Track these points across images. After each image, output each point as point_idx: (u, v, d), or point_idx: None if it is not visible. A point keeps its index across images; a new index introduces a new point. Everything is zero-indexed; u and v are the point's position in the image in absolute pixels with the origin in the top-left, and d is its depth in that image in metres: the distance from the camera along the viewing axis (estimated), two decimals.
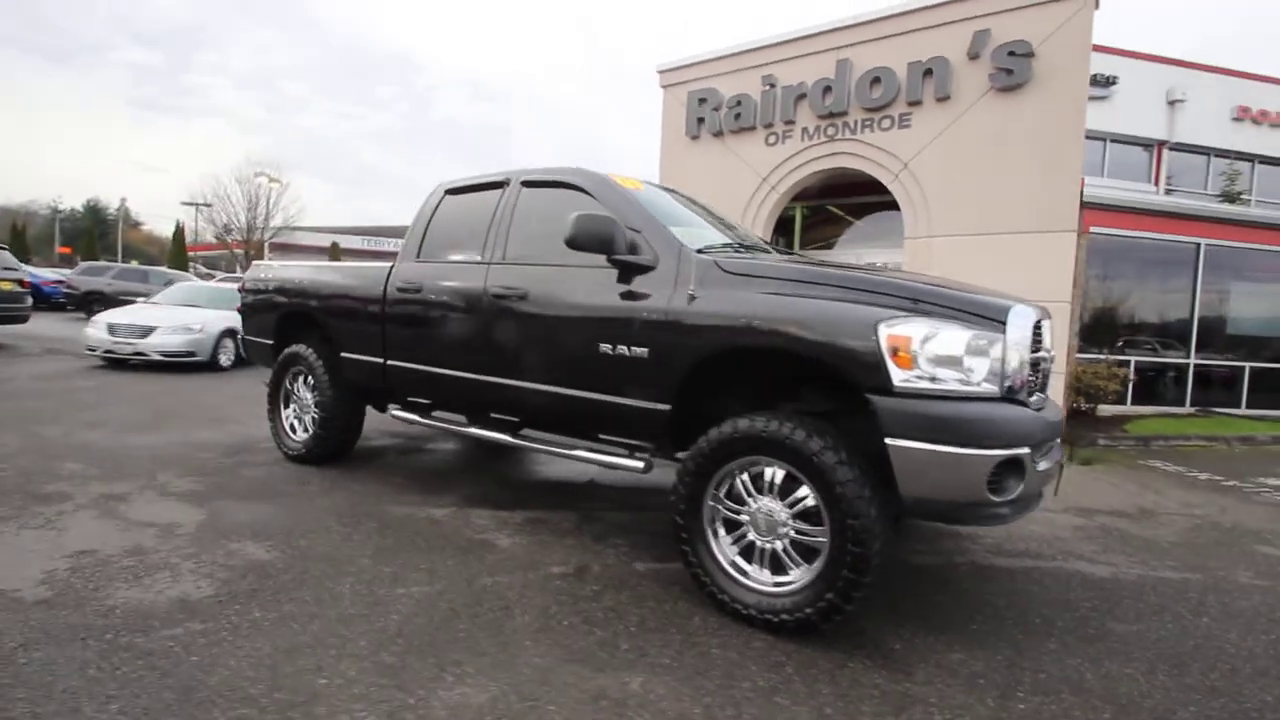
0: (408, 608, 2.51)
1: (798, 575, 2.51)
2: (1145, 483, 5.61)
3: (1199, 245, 10.39)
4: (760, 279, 2.70)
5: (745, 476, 2.62)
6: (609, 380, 2.97)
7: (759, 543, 2.59)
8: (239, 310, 5.34)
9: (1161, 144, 13.51)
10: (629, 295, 2.93)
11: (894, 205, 7.85)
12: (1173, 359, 10.27)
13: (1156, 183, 13.44)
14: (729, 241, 3.36)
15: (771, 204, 8.42)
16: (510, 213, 3.58)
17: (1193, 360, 10.19)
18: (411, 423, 4.05)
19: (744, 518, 2.62)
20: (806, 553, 2.50)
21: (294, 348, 4.60)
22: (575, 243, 2.87)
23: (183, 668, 2.04)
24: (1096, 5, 6.29)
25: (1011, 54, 6.51)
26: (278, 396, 4.77)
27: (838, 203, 9.43)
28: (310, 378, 4.52)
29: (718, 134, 8.72)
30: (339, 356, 4.34)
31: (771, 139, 8.28)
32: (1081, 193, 7.04)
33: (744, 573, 2.62)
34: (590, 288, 3.08)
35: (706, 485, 2.67)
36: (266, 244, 33.81)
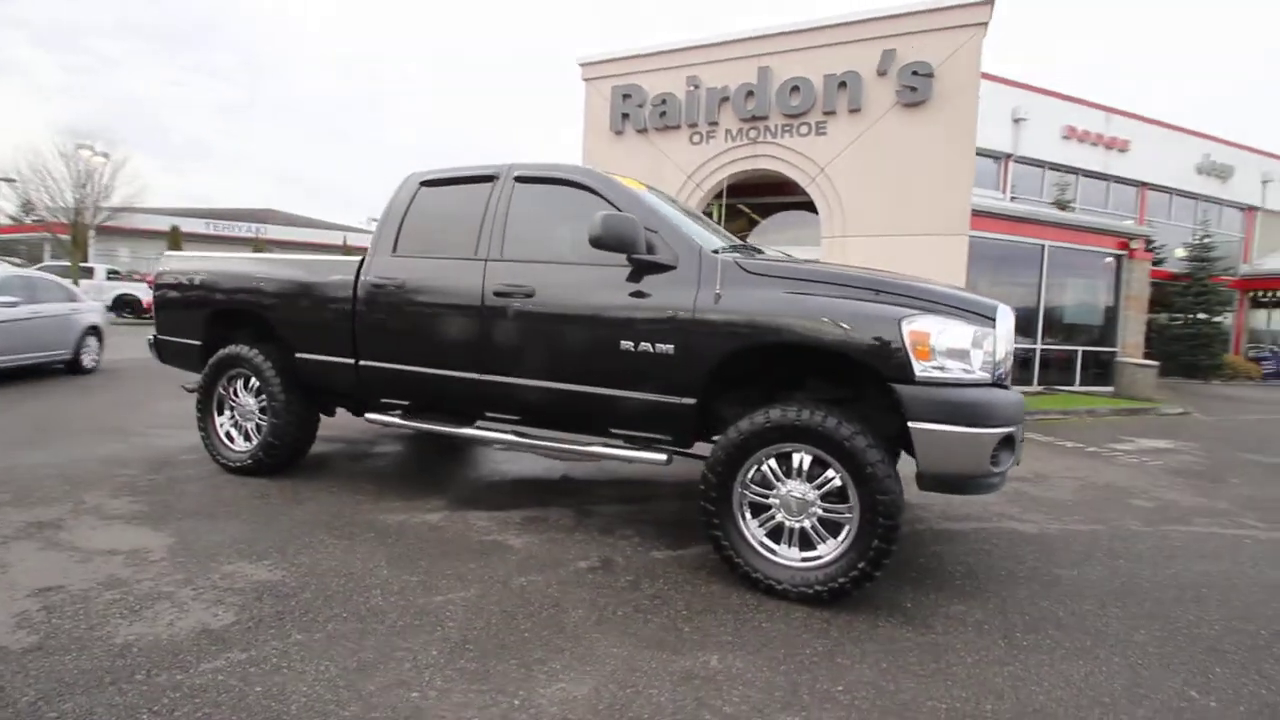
0: (458, 614, 2.46)
1: (826, 549, 2.75)
2: (1029, 452, 6.54)
3: (1043, 246, 12.10)
4: (780, 279, 2.89)
5: (772, 462, 2.82)
6: (631, 376, 3.04)
7: (789, 523, 2.80)
8: (147, 308, 4.74)
9: (1008, 157, 15.52)
10: (649, 294, 3.01)
11: (810, 205, 8.45)
12: (1024, 345, 11.92)
13: (1004, 191, 15.43)
14: (731, 242, 3.53)
15: (696, 201, 8.73)
16: (505, 208, 3.52)
17: (1040, 345, 11.90)
18: (388, 426, 3.85)
19: (772, 500, 2.82)
20: (831, 528, 2.75)
21: (233, 349, 4.18)
22: (602, 243, 2.91)
23: (250, 700, 1.88)
24: (984, 33, 7.16)
25: (915, 73, 7.25)
26: (210, 403, 4.31)
27: (757, 201, 9.96)
28: (256, 381, 4.14)
29: (642, 130, 8.89)
30: (293, 358, 4.03)
31: (696, 138, 8.59)
32: None
33: (773, 551, 2.83)
34: (606, 286, 3.12)
35: (736, 472, 2.84)
36: (94, 227, 29.30)
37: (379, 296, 3.68)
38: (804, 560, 2.78)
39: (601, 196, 3.29)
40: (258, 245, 38.70)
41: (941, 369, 2.59)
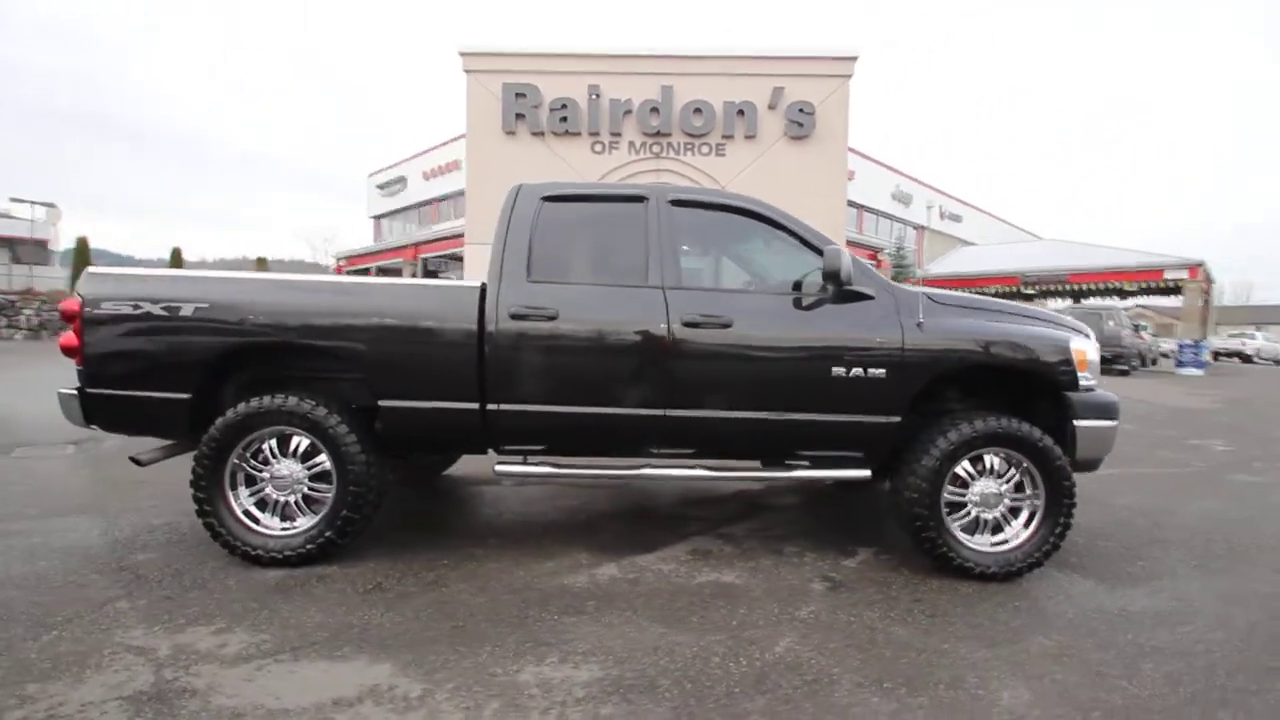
0: (824, 662, 2.42)
1: (1011, 533, 3.31)
2: None
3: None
4: (964, 308, 3.37)
5: (966, 464, 3.28)
6: (841, 401, 3.22)
7: (985, 515, 3.29)
8: (65, 349, 3.26)
9: None
10: (857, 323, 3.23)
11: None
12: None
13: None
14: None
15: None
16: (669, 233, 3.34)
17: None
18: (528, 479, 3.34)
19: (969, 498, 3.28)
20: (1012, 514, 3.32)
21: (272, 401, 3.16)
22: (837, 277, 3.05)
23: None
24: (849, 83, 8.55)
25: (800, 110, 8.32)
26: (219, 476, 3.20)
27: None
28: (302, 441, 3.22)
29: (539, 133, 8.52)
30: (377, 406, 3.25)
31: (598, 148, 8.56)
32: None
33: (971, 541, 3.29)
34: (805, 315, 3.25)
35: (944, 479, 3.23)
36: None
37: (524, 330, 3.19)
38: (993, 545, 3.30)
39: (783, 228, 3.38)
40: None
41: (1086, 377, 3.34)
